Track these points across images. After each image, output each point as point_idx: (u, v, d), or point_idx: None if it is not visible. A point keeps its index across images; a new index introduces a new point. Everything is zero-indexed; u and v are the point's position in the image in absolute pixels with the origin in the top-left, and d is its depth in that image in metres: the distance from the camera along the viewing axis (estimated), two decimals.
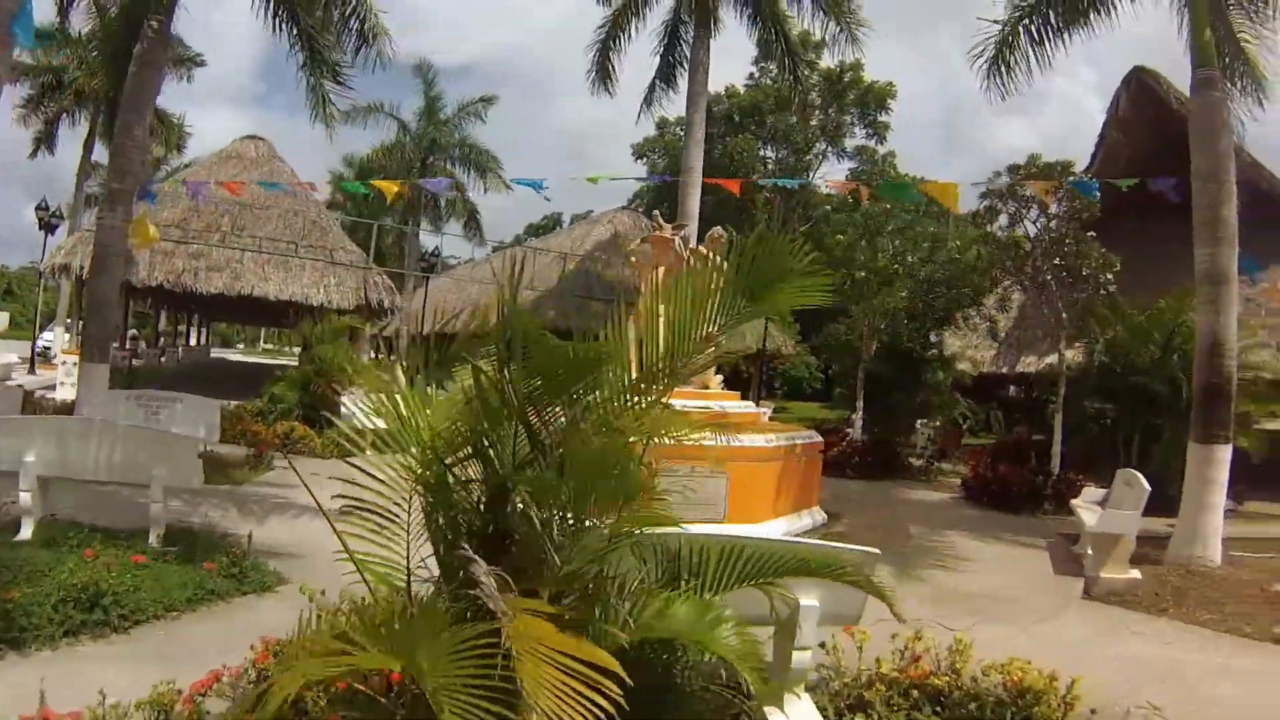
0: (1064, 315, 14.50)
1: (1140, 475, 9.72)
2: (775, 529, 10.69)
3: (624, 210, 27.73)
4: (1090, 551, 9.36)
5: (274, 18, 14.37)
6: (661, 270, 12.45)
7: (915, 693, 4.65)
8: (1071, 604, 8.33)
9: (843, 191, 17.05)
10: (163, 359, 31.54)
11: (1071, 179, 13.06)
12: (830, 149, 37.90)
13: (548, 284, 25.34)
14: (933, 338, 20.45)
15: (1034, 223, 14.65)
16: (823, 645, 4.73)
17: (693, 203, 19.59)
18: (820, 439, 12.47)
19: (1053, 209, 14.50)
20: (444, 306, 33.32)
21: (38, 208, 22.81)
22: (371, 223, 26.67)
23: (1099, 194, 14.25)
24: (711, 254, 12.25)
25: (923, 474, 17.62)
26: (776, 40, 20.05)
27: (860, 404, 18.61)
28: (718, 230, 12.60)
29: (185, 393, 12.86)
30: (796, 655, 4.36)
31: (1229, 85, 11.38)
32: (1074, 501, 10.90)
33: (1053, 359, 15.59)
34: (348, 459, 3.59)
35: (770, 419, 25.97)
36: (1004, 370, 20.04)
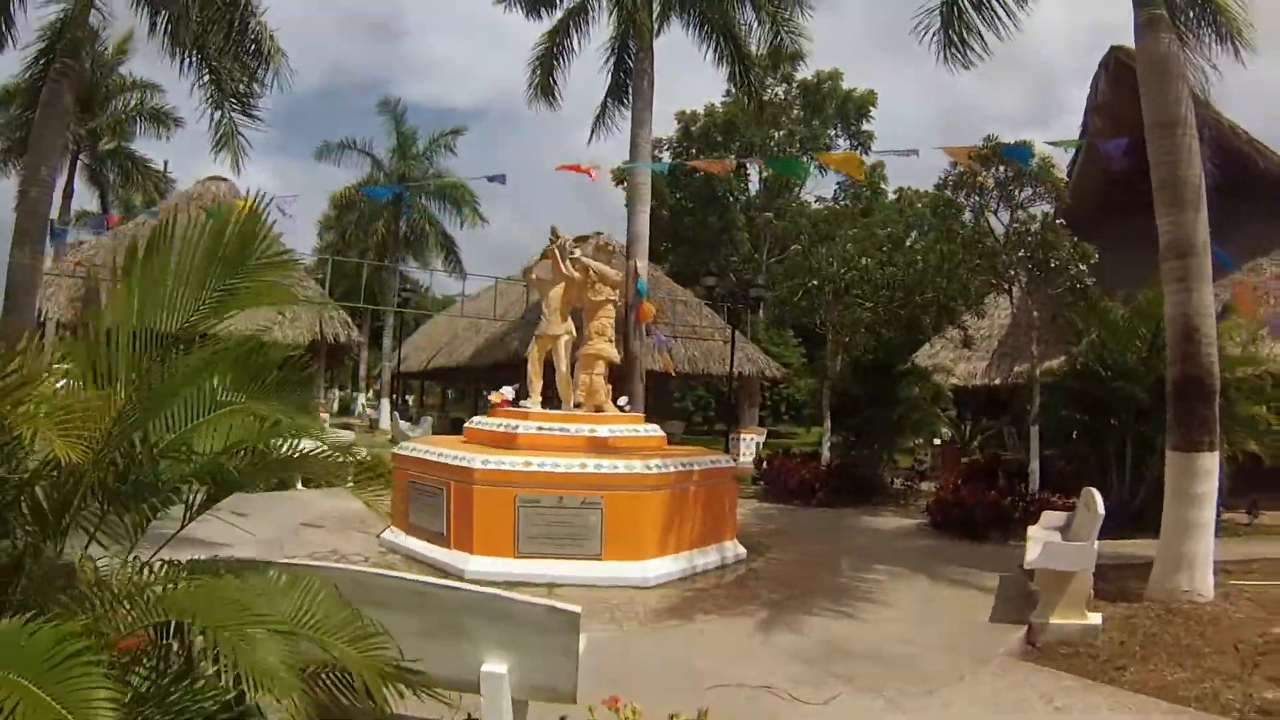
0: (1035, 315, 12.24)
1: (1097, 495, 7.59)
2: (665, 567, 8.84)
3: (598, 234, 25.89)
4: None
5: (179, 49, 13.22)
6: (561, 286, 10.78)
7: None
8: (988, 665, 6.10)
9: (725, 172, 14.86)
10: None
11: (1003, 146, 10.81)
12: (811, 161, 35.79)
13: (517, 315, 23.77)
14: (925, 349, 18.28)
15: (994, 213, 12.45)
16: None
17: (641, 220, 17.74)
18: (731, 464, 10.47)
19: (1020, 196, 12.29)
20: (431, 342, 32.14)
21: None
22: (352, 260, 25.22)
23: (1069, 172, 12.10)
24: (594, 264, 10.51)
25: (902, 498, 15.37)
26: (726, 47, 18.26)
27: (828, 424, 16.33)
28: (604, 237, 10.80)
29: None
30: None
31: (1184, 29, 9.27)
32: (1031, 529, 8.64)
33: (1040, 365, 13.24)
34: None
35: (763, 445, 24.21)
36: (996, 381, 17.64)
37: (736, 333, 27.42)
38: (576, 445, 9.61)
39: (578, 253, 10.69)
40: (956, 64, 10.59)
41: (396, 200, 28.74)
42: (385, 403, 27.76)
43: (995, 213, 12.40)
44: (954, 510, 11.42)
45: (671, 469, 9.19)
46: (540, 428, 9.89)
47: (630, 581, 8.43)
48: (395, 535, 9.93)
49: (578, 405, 10.63)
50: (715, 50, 18.63)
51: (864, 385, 15.89)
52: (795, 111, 34.61)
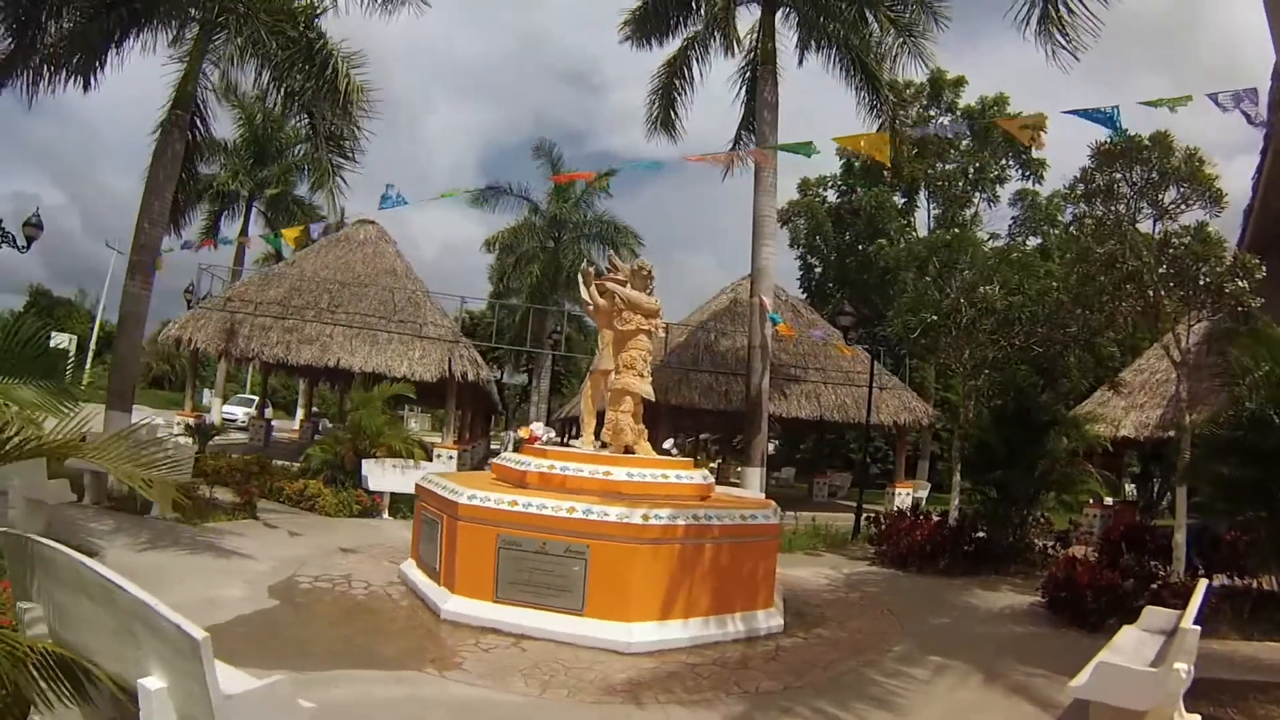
0: (1182, 344, 9.45)
1: (1201, 590, 5.26)
2: (658, 633, 7.35)
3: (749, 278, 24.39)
4: None
5: (283, 98, 13.91)
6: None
7: None
8: None
9: (720, 163, 12.53)
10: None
11: (1071, 111, 8.05)
12: (980, 195, 32.09)
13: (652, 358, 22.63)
14: (1096, 395, 15.20)
15: (1132, 223, 9.80)
16: None
17: (766, 254, 16.25)
18: (771, 521, 8.56)
19: (1168, 199, 9.64)
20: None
21: (186, 290, 23.55)
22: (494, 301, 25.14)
23: (1254, 184, 9.42)
24: (621, 290, 9.11)
25: (1040, 568, 12.57)
26: (854, 70, 16.52)
27: (957, 480, 13.75)
28: (639, 261, 9.40)
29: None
30: None
31: None
32: (1124, 631, 6.27)
33: (1195, 410, 10.30)
34: None
35: (925, 501, 21.44)
36: (1170, 433, 14.31)
37: (895, 379, 24.85)
38: (589, 488, 8.30)
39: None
40: (1055, 45, 8.44)
41: (555, 242, 28.71)
42: None
43: (1134, 224, 9.76)
44: (1064, 591, 8.86)
45: (679, 522, 7.62)
46: (551, 467, 8.65)
47: (611, 644, 7.05)
48: (408, 567, 9.25)
49: (604, 445, 9.29)
50: (844, 73, 16.97)
51: (1001, 436, 13.28)
52: (964, 143, 31.45)
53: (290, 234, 15.81)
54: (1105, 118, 6.83)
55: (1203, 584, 5.84)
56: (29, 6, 11.14)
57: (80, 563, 3.61)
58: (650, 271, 9.34)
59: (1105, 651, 5.35)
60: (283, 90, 13.26)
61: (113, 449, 4.94)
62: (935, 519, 13.67)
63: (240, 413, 34.11)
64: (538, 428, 9.80)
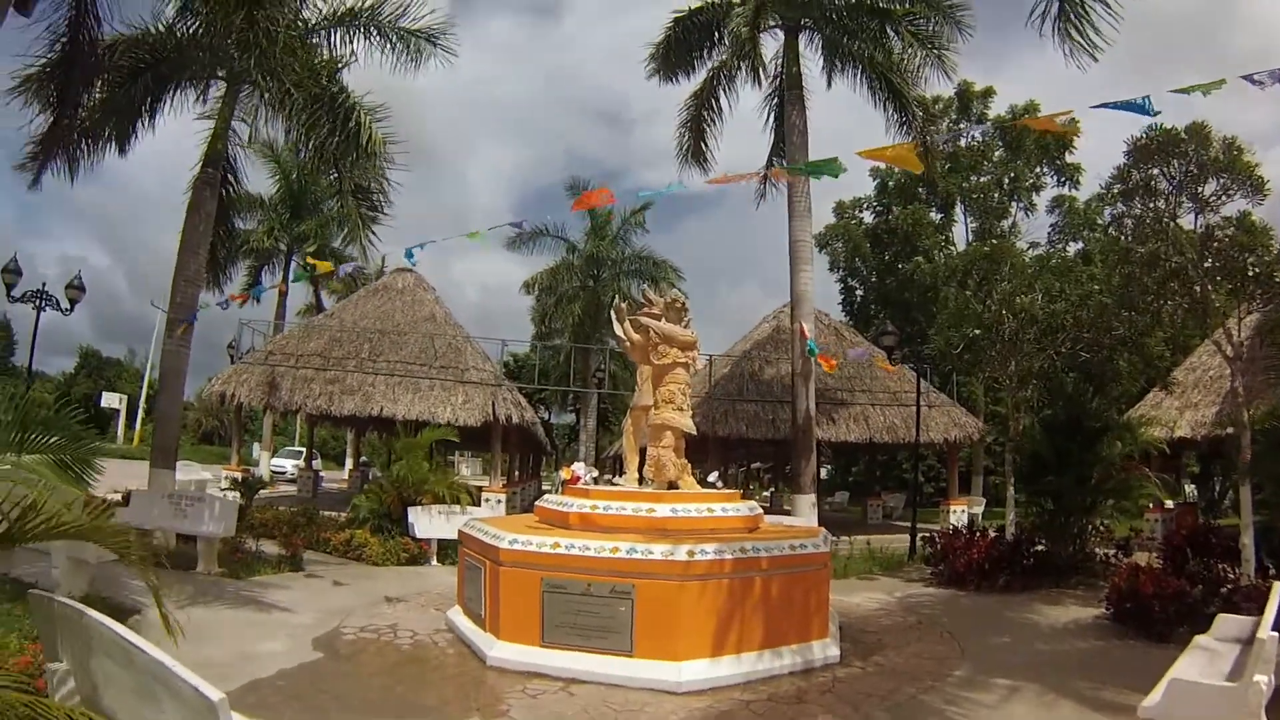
0: (1234, 338, 9.10)
1: (1277, 596, 4.94)
2: (709, 670, 7.09)
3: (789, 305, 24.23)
4: None
5: (312, 152, 14.02)
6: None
7: None
8: None
9: (743, 182, 12.09)
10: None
11: (1101, 104, 7.73)
12: (1016, 205, 31.47)
13: (696, 391, 22.56)
14: (1149, 398, 14.70)
15: (1174, 219, 9.51)
16: None
17: (804, 280, 16.03)
18: (821, 549, 8.35)
19: (1208, 191, 9.35)
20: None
21: (229, 345, 24.10)
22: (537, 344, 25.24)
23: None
24: (656, 324, 9.01)
25: (1103, 578, 12.11)
26: (880, 87, 16.40)
27: (1011, 493, 13.34)
28: (672, 294, 9.30)
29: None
30: None
31: None
32: (1196, 642, 5.96)
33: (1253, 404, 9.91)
34: None
35: (973, 516, 20.86)
36: (1228, 430, 13.76)
37: (943, 395, 24.37)
38: (633, 526, 8.17)
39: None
40: (1076, 47, 8.28)
41: (595, 279, 28.98)
42: None
43: (1175, 219, 9.46)
44: (1128, 602, 8.48)
45: (726, 556, 7.45)
46: (594, 506, 8.54)
47: (662, 684, 6.86)
48: (455, 614, 9.12)
49: (644, 480, 9.18)
50: (871, 92, 16.86)
51: (1053, 446, 12.91)
52: (997, 153, 31.04)
53: (323, 266, 16.12)
54: (1138, 107, 6.63)
55: (1278, 585, 5.53)
56: (63, 82, 11.50)
57: (99, 623, 3.60)
58: (684, 304, 9.22)
59: (1178, 665, 5.08)
60: (311, 144, 13.49)
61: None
62: (991, 534, 13.31)
63: (289, 465, 34.64)
64: (579, 468, 9.71)
